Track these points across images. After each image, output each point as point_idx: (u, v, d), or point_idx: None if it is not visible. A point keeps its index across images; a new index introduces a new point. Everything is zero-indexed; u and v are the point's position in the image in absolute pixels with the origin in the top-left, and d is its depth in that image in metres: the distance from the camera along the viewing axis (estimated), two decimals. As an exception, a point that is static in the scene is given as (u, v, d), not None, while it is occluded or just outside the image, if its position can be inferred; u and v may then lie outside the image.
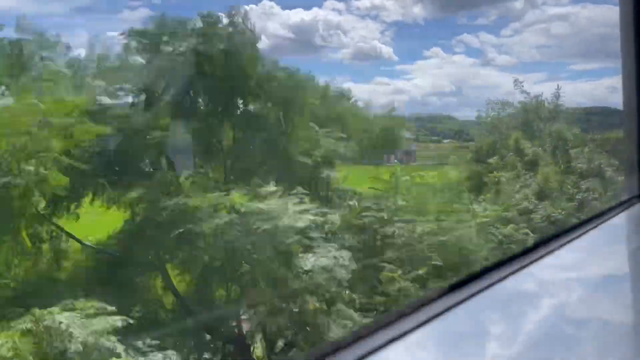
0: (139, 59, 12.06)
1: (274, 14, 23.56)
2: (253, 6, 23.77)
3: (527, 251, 2.09)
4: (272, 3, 23.33)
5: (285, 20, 23.80)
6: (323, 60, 25.46)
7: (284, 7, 23.86)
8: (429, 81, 27.68)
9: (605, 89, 25.46)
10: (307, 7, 24.44)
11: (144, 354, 8.76)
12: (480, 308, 1.70)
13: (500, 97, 19.70)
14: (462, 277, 1.77)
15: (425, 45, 26.16)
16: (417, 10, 29.65)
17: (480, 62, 26.17)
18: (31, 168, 9.18)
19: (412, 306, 1.56)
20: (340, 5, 24.98)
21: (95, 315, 8.16)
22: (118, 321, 8.14)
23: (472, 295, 1.69)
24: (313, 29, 23.79)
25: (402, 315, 1.49)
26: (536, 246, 2.19)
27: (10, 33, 10.42)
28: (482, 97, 27.34)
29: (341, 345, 1.32)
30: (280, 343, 11.39)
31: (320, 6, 24.91)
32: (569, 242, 2.30)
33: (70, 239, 11.35)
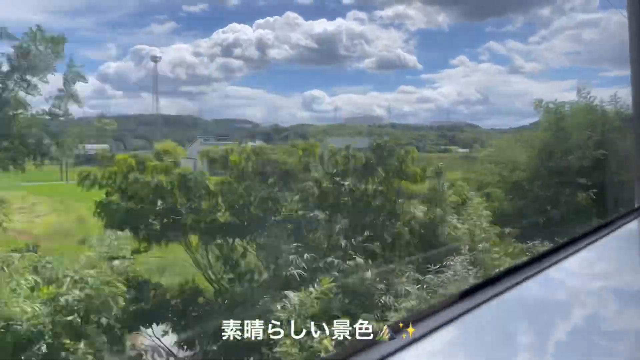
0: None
1: (298, 24, 23.90)
2: (277, 17, 24.12)
3: (536, 258, 2.12)
4: (296, 14, 23.65)
5: (309, 30, 24.10)
6: (347, 69, 25.64)
7: (307, 18, 24.11)
8: (456, 89, 27.71)
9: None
10: (331, 18, 24.61)
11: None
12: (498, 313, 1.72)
13: (529, 105, 18.71)
14: (478, 282, 1.82)
15: (450, 53, 26.30)
16: (442, 19, 29.78)
17: (507, 69, 25.95)
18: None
19: (426, 312, 1.59)
20: (363, 15, 25.15)
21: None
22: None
23: (487, 299, 1.69)
24: (336, 39, 24.04)
25: (414, 321, 1.50)
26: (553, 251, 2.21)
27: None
28: (510, 105, 27.03)
29: (356, 350, 1.33)
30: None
31: (343, 16, 25.11)
32: (581, 248, 2.30)
33: None
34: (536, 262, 2.11)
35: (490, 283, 1.83)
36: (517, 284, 1.91)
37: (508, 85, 27.01)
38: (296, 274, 9.49)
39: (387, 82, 26.70)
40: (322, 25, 26.11)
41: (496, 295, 1.77)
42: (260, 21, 23.86)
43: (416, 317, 1.56)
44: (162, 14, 24.28)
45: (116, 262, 8.69)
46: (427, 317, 1.57)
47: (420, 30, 25.83)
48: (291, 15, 22.46)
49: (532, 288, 1.98)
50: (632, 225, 2.79)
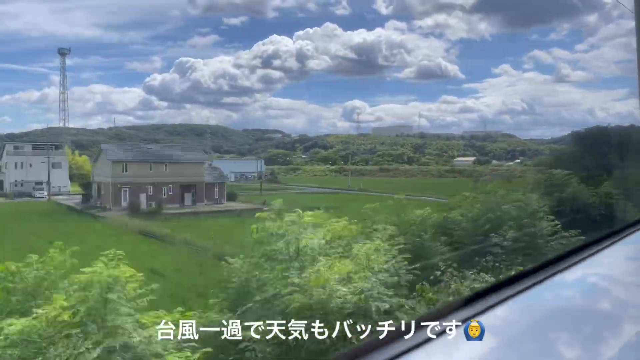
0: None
1: (337, 35, 23.87)
2: (316, 28, 24.44)
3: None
4: (335, 25, 23.75)
5: (347, 41, 24.11)
6: (387, 79, 25.54)
7: (345, 29, 24.25)
8: (500, 99, 27.03)
9: None
10: (370, 28, 24.64)
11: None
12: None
13: (580, 116, 18.27)
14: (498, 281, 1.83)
15: (493, 62, 26.12)
16: (483, 27, 29.16)
17: (553, 78, 25.36)
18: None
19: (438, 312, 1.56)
20: (402, 25, 25.14)
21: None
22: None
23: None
24: (376, 49, 23.93)
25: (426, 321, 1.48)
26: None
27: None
28: (557, 114, 26.17)
29: (365, 350, 1.31)
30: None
31: (382, 26, 25.11)
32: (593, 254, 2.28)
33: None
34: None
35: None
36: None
37: (555, 95, 26.25)
38: None
39: (428, 92, 26.66)
40: (361, 36, 26.29)
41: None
42: (300, 32, 24.27)
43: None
44: (204, 27, 25.44)
45: None
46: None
47: (461, 40, 25.75)
48: (330, 26, 22.90)
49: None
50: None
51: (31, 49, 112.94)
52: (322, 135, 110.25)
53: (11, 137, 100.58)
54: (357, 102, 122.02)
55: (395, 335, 1.41)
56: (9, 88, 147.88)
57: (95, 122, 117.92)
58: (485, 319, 1.60)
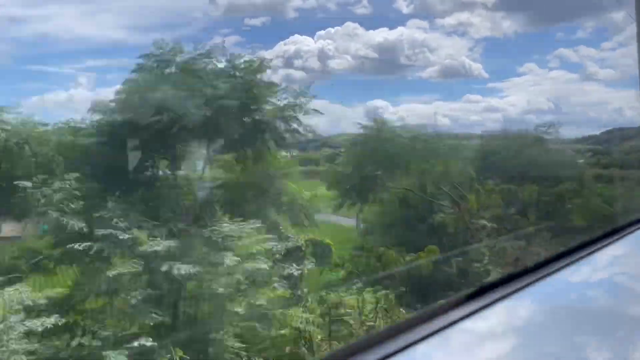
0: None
1: (358, 34, 22.73)
2: (338, 28, 23.42)
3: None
4: (356, 24, 22.70)
5: (369, 40, 22.96)
6: (409, 79, 24.34)
7: (367, 28, 23.20)
8: (525, 98, 25.52)
9: None
10: (391, 27, 23.60)
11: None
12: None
13: (608, 115, 17.01)
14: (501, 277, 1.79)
15: (517, 61, 24.77)
16: (507, 25, 27.52)
17: (580, 77, 23.81)
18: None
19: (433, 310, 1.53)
20: (425, 24, 24.04)
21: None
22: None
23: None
24: (397, 48, 22.73)
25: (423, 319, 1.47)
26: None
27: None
28: (584, 114, 24.56)
29: (364, 346, 1.30)
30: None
31: (404, 25, 24.03)
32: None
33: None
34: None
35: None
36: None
37: (582, 94, 24.57)
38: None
39: (452, 91, 25.29)
40: (382, 35, 24.99)
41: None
42: (321, 32, 23.36)
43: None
44: (225, 28, 24.80)
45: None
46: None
47: (485, 38, 24.33)
48: (351, 25, 21.95)
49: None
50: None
51: (60, 51, 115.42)
52: (333, 136, 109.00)
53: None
54: (379, 102, 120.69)
55: (395, 332, 1.36)
56: (38, 89, 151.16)
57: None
58: (485, 316, 1.57)
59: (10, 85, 18.67)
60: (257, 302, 11.06)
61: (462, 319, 1.49)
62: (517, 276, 1.86)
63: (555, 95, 24.82)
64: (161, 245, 10.79)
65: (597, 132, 23.36)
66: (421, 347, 1.36)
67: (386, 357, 1.25)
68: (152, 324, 10.46)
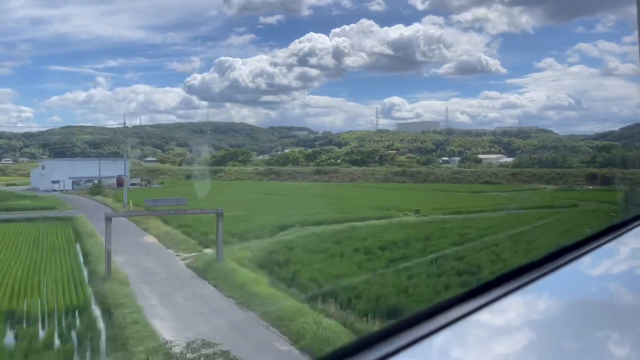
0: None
1: (373, 31, 21.64)
2: (353, 25, 22.34)
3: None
4: (371, 21, 21.56)
5: (384, 37, 21.95)
6: (425, 75, 23.24)
7: (382, 25, 22.03)
8: (544, 94, 24.17)
9: None
10: (407, 23, 22.47)
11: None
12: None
13: (630, 111, 16.29)
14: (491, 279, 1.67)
15: (536, 56, 23.56)
16: (525, 21, 26.19)
17: (600, 71, 22.52)
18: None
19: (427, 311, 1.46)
20: (440, 20, 22.88)
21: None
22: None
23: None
24: (413, 45, 21.69)
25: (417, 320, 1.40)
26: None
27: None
28: (606, 109, 23.18)
29: (356, 347, 1.27)
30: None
31: (419, 21, 22.95)
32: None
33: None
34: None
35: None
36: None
37: (603, 89, 23.26)
38: None
39: (469, 88, 24.08)
40: (398, 31, 23.90)
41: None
42: (336, 30, 22.25)
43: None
44: (241, 27, 24.00)
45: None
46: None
47: (502, 33, 23.04)
48: (366, 22, 20.92)
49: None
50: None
51: (79, 51, 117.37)
52: (344, 133, 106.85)
53: (28, 136, 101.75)
54: (395, 99, 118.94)
55: (395, 330, 1.33)
56: (58, 89, 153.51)
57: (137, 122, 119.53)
58: (486, 313, 1.52)
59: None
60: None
61: (475, 310, 1.46)
62: (532, 267, 1.80)
63: (575, 90, 23.49)
64: None
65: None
66: (437, 339, 1.34)
67: (400, 349, 1.24)
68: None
